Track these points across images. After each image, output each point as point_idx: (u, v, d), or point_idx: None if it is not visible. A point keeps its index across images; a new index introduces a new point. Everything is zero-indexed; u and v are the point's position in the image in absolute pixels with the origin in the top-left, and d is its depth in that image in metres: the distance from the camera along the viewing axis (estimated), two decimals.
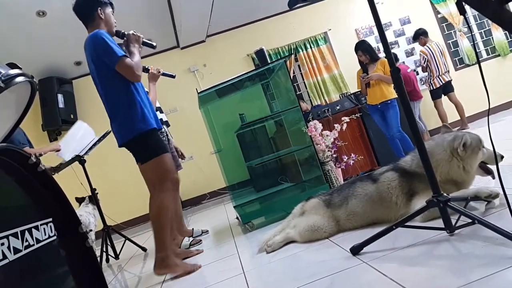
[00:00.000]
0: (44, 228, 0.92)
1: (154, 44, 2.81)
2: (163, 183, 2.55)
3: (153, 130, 2.56)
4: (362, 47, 4.68)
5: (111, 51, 2.42)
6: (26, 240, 0.84)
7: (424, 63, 6.30)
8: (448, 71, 6.36)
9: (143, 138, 2.51)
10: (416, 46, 7.19)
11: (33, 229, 0.87)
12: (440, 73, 6.23)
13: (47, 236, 0.92)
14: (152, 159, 2.53)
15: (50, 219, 0.95)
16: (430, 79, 6.36)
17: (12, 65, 1.03)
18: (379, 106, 4.56)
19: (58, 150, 3.63)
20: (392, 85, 4.49)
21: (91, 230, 3.77)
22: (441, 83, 6.26)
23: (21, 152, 0.90)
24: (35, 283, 0.86)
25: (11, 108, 1.10)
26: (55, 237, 0.96)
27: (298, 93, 7.34)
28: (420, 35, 6.42)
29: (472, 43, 7.43)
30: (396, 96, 4.50)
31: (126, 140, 2.53)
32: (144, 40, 2.71)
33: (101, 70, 2.50)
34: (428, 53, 6.25)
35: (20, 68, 1.04)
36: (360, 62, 4.76)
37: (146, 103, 2.61)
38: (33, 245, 0.86)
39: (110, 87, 2.53)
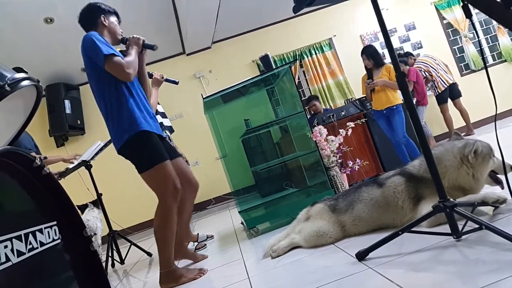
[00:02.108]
0: (48, 231, 0.91)
1: (154, 45, 2.69)
2: (166, 196, 2.42)
3: (145, 132, 2.41)
4: (367, 51, 4.66)
5: (98, 49, 2.33)
6: (30, 243, 0.84)
7: (424, 73, 6.34)
8: (450, 73, 6.35)
9: (136, 143, 2.39)
10: (421, 51, 7.24)
11: (37, 232, 0.87)
12: (442, 77, 6.23)
13: (51, 240, 0.92)
14: (150, 169, 2.40)
15: (54, 223, 0.95)
16: (435, 84, 6.36)
17: (18, 69, 1.03)
18: (384, 111, 4.54)
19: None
20: (398, 90, 4.48)
21: (95, 234, 3.78)
22: (446, 86, 6.25)
23: (26, 155, 0.90)
24: (39, 286, 0.86)
25: (17, 112, 1.10)
26: (59, 241, 0.96)
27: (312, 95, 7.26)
28: (409, 55, 6.50)
29: (478, 49, 7.42)
30: (402, 101, 4.48)
31: (120, 145, 2.42)
32: (145, 42, 2.64)
33: (92, 71, 2.45)
34: (422, 64, 6.32)
35: (26, 72, 1.05)
36: (366, 67, 4.74)
37: (140, 105, 2.50)
38: (37, 248, 0.86)
39: (101, 89, 2.45)
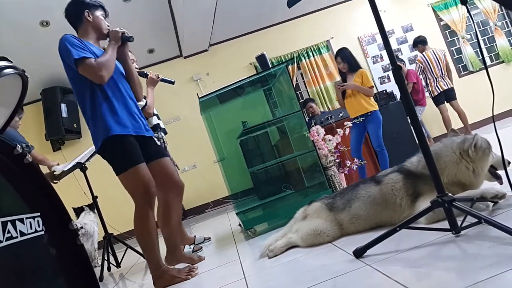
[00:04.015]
0: (30, 222, 0.87)
1: (131, 37, 2.60)
2: (139, 199, 2.41)
3: (116, 137, 2.37)
4: (342, 54, 4.41)
5: (70, 54, 2.31)
6: (8, 232, 0.80)
7: (419, 72, 6.29)
8: (449, 78, 6.28)
9: (110, 146, 2.37)
10: (418, 53, 7.20)
11: (17, 221, 0.83)
12: (438, 82, 6.18)
13: (33, 230, 0.88)
14: (124, 172, 2.38)
15: (38, 214, 0.92)
16: (429, 87, 6.33)
17: (1, 58, 1.00)
18: (360, 119, 4.15)
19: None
20: (371, 97, 4.26)
21: (82, 227, 3.77)
22: (439, 91, 6.19)
23: (6, 141, 0.87)
24: (18, 276, 0.83)
25: (2, 103, 1.07)
26: (42, 232, 0.93)
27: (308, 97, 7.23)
28: (418, 43, 6.43)
29: (476, 50, 7.42)
30: (377, 108, 4.28)
31: (97, 147, 2.42)
32: (124, 35, 2.56)
33: (68, 74, 2.44)
34: (424, 61, 6.26)
35: (10, 61, 1.02)
36: (340, 72, 4.51)
37: (121, 107, 2.46)
38: (16, 237, 0.82)
39: (78, 93, 2.45)
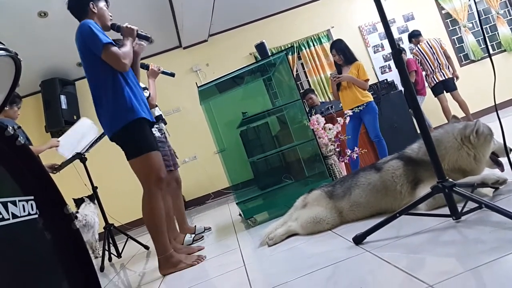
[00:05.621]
0: (23, 205, 0.86)
1: (149, 36, 2.74)
2: (149, 184, 2.47)
3: (142, 120, 2.47)
4: (336, 46, 4.31)
5: (96, 38, 2.37)
6: (0, 213, 0.79)
7: (419, 65, 6.29)
8: (450, 66, 6.23)
9: (130, 129, 2.43)
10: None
11: (8, 203, 0.82)
12: (434, 73, 6.15)
13: (26, 213, 0.87)
14: (138, 156, 2.44)
15: (32, 197, 0.90)
16: (427, 78, 6.32)
17: None
18: (357, 111, 4.15)
19: (56, 146, 3.56)
20: (366, 90, 4.21)
21: (77, 212, 3.77)
22: (435, 82, 6.16)
23: None
24: (12, 258, 0.82)
25: None
26: (36, 216, 0.91)
27: (309, 87, 7.17)
28: (412, 37, 6.47)
29: (478, 39, 7.36)
30: (372, 99, 4.23)
31: (115, 130, 2.45)
32: (138, 32, 2.67)
33: (88, 58, 2.47)
34: (419, 54, 6.26)
35: (2, 44, 1.00)
36: (336, 64, 4.43)
37: (136, 94, 2.54)
38: (8, 219, 0.81)
39: (96, 76, 2.48)
